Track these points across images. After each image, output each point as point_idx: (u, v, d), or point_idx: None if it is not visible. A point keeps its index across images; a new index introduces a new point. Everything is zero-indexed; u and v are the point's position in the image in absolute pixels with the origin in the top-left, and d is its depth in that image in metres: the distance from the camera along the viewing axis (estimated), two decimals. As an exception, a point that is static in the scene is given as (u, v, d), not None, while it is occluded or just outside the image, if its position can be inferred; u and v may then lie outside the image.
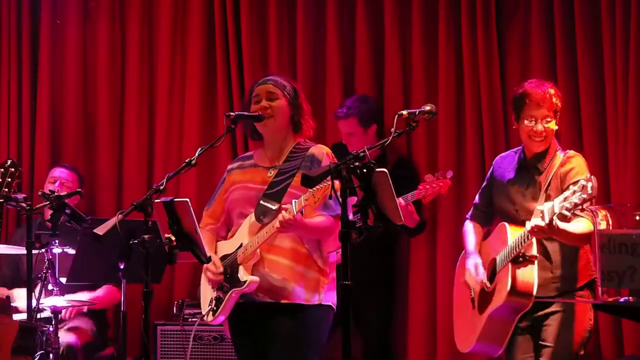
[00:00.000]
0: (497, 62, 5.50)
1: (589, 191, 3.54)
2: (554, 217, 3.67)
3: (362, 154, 3.25)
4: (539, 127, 4.05)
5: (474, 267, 4.13)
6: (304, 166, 3.93)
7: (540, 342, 4.05)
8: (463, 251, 4.36)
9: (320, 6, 5.91)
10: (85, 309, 5.40)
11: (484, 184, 4.35)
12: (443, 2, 5.61)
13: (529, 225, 3.79)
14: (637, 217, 2.78)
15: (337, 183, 3.26)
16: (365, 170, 3.21)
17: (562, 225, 3.73)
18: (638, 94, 5.10)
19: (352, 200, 3.36)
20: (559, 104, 4.09)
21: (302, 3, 5.92)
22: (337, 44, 5.84)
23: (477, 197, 4.38)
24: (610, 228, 2.84)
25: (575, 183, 3.70)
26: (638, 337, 5.10)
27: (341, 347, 3.27)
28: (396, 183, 3.31)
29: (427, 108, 3.52)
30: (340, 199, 3.21)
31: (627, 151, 5.11)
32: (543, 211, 3.72)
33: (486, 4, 5.50)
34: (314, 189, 3.61)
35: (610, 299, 2.77)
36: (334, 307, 4.00)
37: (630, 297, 2.72)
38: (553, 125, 4.07)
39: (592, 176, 3.60)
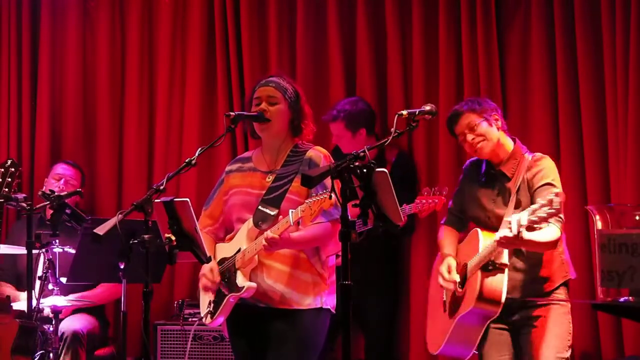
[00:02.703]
0: (497, 62, 5.50)
1: (556, 206, 3.58)
2: (522, 229, 3.67)
3: (362, 154, 3.24)
4: (469, 137, 4.11)
5: (446, 270, 4.12)
6: (301, 170, 3.90)
7: (521, 351, 4.05)
8: (438, 254, 4.36)
9: (320, 6, 5.91)
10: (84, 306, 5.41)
11: (457, 188, 4.35)
12: (443, 2, 5.61)
13: (497, 235, 3.82)
14: (637, 217, 2.78)
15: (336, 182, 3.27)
16: (365, 170, 3.21)
17: (529, 235, 3.73)
18: (638, 93, 5.10)
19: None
20: (479, 107, 4.13)
21: (302, 3, 5.92)
22: (338, 44, 5.84)
23: (450, 202, 4.38)
24: (610, 228, 2.83)
25: (543, 192, 3.86)
26: (638, 337, 5.10)
27: (341, 347, 3.26)
28: (396, 185, 3.32)
29: (427, 108, 3.53)
30: (340, 199, 3.21)
31: (627, 151, 5.11)
32: (511, 222, 3.72)
33: (486, 3, 5.50)
34: (311, 201, 3.61)
35: (610, 299, 2.77)
36: (333, 310, 3.99)
37: (630, 297, 2.72)
38: (485, 127, 4.11)
39: (561, 192, 3.68)
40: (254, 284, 3.89)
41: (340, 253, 3.93)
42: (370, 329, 5.50)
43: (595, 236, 2.89)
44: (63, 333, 5.01)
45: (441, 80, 5.61)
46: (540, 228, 3.71)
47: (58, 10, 6.29)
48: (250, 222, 3.94)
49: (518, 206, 4.01)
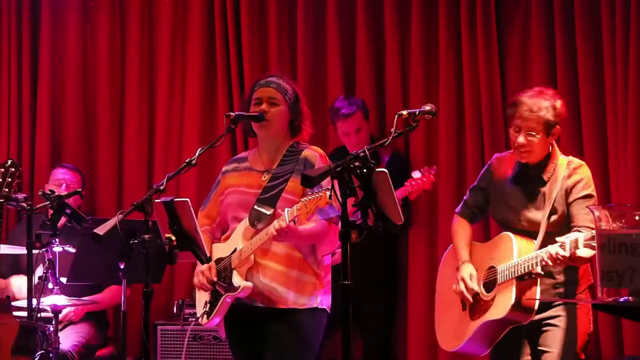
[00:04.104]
0: (497, 63, 5.51)
1: None
2: (575, 250, 3.64)
3: (362, 154, 3.24)
4: (521, 139, 3.91)
5: (469, 278, 4.05)
6: (297, 170, 3.91)
7: (539, 348, 4.01)
8: (449, 246, 4.30)
9: (320, 6, 5.91)
10: (84, 313, 5.41)
11: (478, 183, 4.22)
12: (443, 2, 5.61)
13: (550, 251, 3.74)
14: (637, 217, 2.77)
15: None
16: (365, 170, 3.21)
17: (580, 253, 3.69)
18: (638, 94, 5.10)
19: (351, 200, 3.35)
20: (552, 118, 3.91)
21: (302, 3, 5.92)
22: (337, 45, 5.84)
23: (468, 194, 4.26)
24: (610, 228, 2.83)
25: (583, 204, 3.83)
26: (638, 337, 5.10)
27: (341, 347, 3.26)
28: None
29: (427, 108, 3.50)
30: (340, 199, 3.21)
31: (627, 151, 5.11)
32: (564, 243, 3.67)
33: (486, 3, 5.51)
34: (306, 199, 3.60)
35: (610, 299, 2.77)
36: (328, 310, 3.99)
37: (630, 297, 2.71)
38: (541, 140, 3.91)
39: (594, 210, 3.57)
40: (250, 284, 3.89)
41: (335, 251, 3.96)
42: (370, 329, 5.50)
43: (595, 236, 2.89)
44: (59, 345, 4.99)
45: (441, 80, 5.61)
46: (593, 248, 3.63)
47: (58, 10, 6.29)
48: (246, 222, 3.94)
49: (553, 213, 3.93)
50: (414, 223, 5.57)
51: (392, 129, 3.37)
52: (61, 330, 5.07)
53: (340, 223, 3.24)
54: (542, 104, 3.92)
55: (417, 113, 3.47)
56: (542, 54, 5.43)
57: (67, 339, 5.21)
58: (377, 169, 3.24)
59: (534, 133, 3.91)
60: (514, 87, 5.47)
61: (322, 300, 3.96)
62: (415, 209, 5.61)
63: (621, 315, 4.39)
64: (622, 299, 2.72)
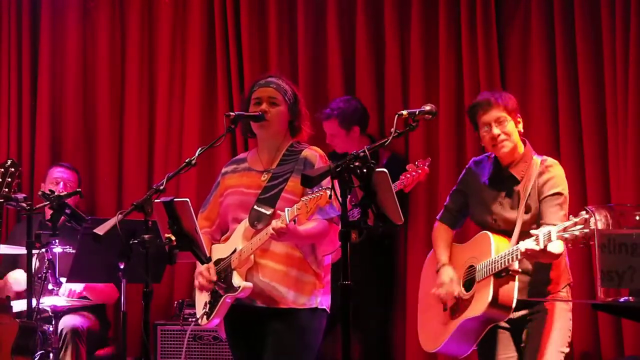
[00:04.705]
0: (497, 63, 5.50)
1: (591, 226, 3.45)
2: (548, 243, 3.66)
3: (362, 154, 3.24)
4: (495, 130, 4.00)
5: (449, 281, 4.09)
6: (297, 169, 3.91)
7: (522, 345, 4.03)
8: (431, 250, 4.32)
9: (320, 6, 5.91)
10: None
11: (457, 187, 4.27)
12: (443, 2, 5.61)
13: (522, 246, 3.77)
14: (637, 217, 2.78)
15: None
16: (365, 170, 3.21)
17: (551, 248, 3.71)
18: (638, 94, 5.10)
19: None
20: (510, 104, 4.02)
21: (303, 3, 5.92)
22: (338, 45, 5.85)
23: (448, 199, 4.31)
24: (610, 228, 2.83)
25: (552, 202, 3.88)
26: (638, 337, 5.10)
27: (341, 347, 3.26)
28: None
29: (427, 108, 3.51)
30: (340, 199, 3.21)
31: (627, 151, 5.11)
32: (538, 236, 3.69)
33: (486, 3, 5.51)
34: (307, 198, 3.60)
35: (610, 299, 2.77)
36: (328, 310, 3.99)
37: (630, 297, 2.72)
38: (512, 127, 4.02)
39: (594, 210, 3.46)
40: (250, 284, 3.88)
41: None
42: (370, 329, 5.50)
43: (595, 236, 2.89)
44: (62, 330, 5.01)
45: (441, 80, 5.61)
46: (569, 243, 3.65)
47: (58, 10, 6.29)
48: (246, 222, 3.94)
49: (528, 211, 3.97)
50: (410, 219, 5.56)
51: (392, 129, 3.37)
52: (65, 313, 5.06)
53: (340, 223, 3.24)
54: (495, 95, 4.07)
55: (417, 113, 3.47)
56: (542, 54, 5.43)
57: (73, 320, 5.19)
58: (377, 169, 3.24)
59: (502, 120, 4.01)
60: (514, 87, 5.49)
61: (322, 301, 3.96)
62: (414, 209, 5.61)
63: (621, 315, 4.39)
64: (622, 299, 2.73)
